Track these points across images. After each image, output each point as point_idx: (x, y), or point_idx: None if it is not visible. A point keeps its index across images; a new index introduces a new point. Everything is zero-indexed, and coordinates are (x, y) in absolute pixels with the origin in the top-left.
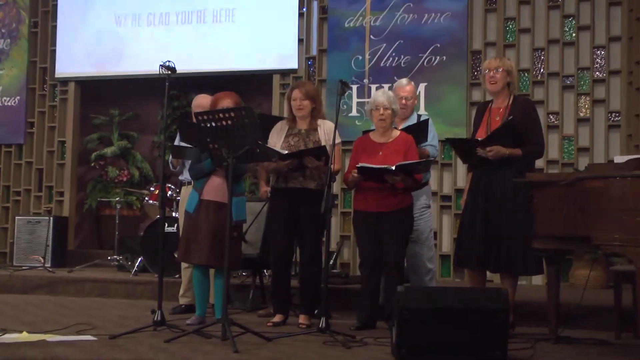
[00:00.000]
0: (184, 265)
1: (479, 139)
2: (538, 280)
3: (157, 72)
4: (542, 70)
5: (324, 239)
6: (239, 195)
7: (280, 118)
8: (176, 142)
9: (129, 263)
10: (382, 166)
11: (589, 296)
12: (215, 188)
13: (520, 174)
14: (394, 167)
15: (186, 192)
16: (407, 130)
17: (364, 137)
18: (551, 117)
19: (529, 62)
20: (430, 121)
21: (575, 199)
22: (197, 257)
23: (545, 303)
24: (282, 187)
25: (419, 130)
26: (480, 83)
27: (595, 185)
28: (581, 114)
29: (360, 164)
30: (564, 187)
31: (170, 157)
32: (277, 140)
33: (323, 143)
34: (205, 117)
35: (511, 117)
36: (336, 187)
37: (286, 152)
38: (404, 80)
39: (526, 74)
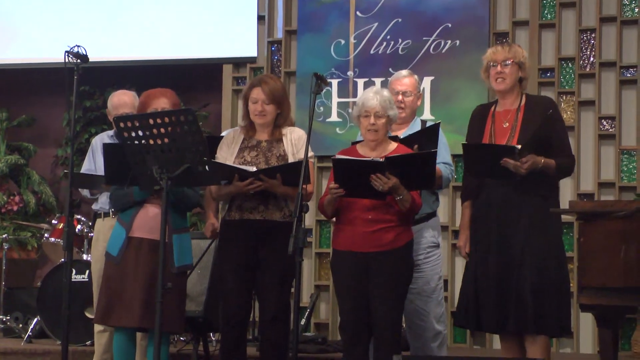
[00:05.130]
0: (98, 328)
1: (517, 145)
2: (587, 347)
3: (62, 61)
4: (592, 59)
5: (292, 290)
6: (182, 232)
7: None
8: (85, 167)
9: (20, 325)
10: (367, 158)
11: None
12: (151, 221)
13: (549, 199)
14: (381, 159)
15: (102, 226)
16: (408, 140)
17: (349, 150)
18: (604, 122)
19: (574, 49)
20: (440, 130)
21: (638, 236)
22: (126, 318)
23: None
24: (235, 220)
25: (425, 140)
26: None
27: None
28: None
29: (336, 156)
30: (623, 220)
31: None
32: (228, 154)
33: (290, 158)
34: (129, 124)
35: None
36: (309, 219)
37: (254, 169)
38: (403, 72)
39: (570, 65)
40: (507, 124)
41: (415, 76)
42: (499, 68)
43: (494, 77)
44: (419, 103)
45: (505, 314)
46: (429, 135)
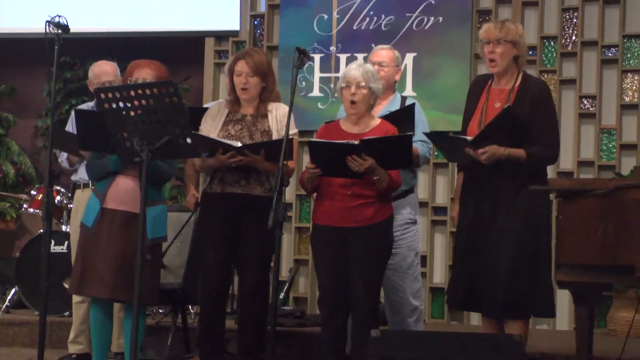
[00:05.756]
0: (76, 299)
1: (468, 137)
2: (564, 323)
3: (43, 31)
4: (574, 38)
5: (271, 264)
6: (158, 204)
7: None
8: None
9: None
10: (342, 142)
11: (634, 346)
12: (124, 193)
13: (525, 185)
14: (357, 142)
15: (82, 197)
16: (386, 119)
17: (332, 125)
18: (585, 102)
19: (557, 27)
20: (418, 107)
21: (615, 214)
22: (97, 289)
23: (573, 356)
24: (217, 193)
25: (402, 120)
26: None
27: None
28: (627, 99)
29: (312, 139)
30: (601, 198)
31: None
32: (212, 127)
33: (274, 134)
34: (110, 95)
35: (508, 104)
36: (290, 194)
37: (239, 144)
38: (383, 46)
39: (552, 43)
40: (499, 104)
41: (396, 51)
42: (490, 47)
43: (487, 58)
44: (397, 77)
45: (474, 294)
46: (405, 116)
